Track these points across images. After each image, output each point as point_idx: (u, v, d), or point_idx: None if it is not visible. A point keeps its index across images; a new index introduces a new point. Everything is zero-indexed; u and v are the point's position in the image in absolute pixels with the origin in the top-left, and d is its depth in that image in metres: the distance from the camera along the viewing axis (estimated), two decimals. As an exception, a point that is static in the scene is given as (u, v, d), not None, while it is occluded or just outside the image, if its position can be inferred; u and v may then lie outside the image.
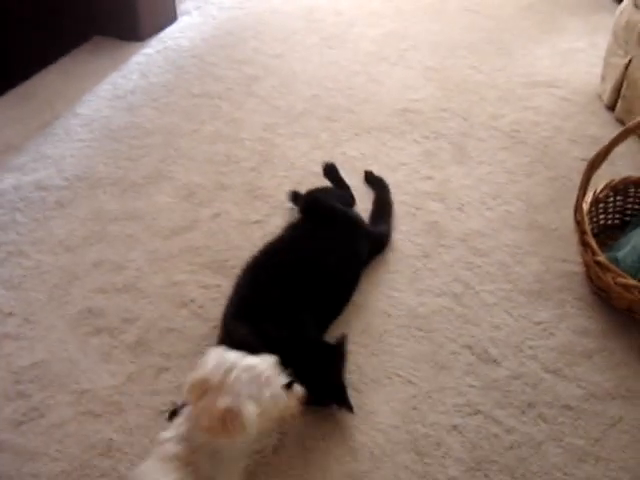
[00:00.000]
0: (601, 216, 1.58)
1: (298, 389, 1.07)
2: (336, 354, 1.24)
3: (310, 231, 1.47)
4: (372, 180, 1.71)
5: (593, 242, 1.38)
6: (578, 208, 1.41)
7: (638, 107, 1.82)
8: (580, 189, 1.40)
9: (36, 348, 1.34)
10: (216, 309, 1.40)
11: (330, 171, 1.66)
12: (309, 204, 1.54)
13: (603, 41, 2.03)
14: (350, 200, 1.63)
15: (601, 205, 1.57)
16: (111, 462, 1.16)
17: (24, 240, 1.58)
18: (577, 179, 1.44)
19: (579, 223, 1.40)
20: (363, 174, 1.73)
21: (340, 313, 1.40)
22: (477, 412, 1.24)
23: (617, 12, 1.92)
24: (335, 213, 1.50)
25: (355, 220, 1.52)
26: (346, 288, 1.42)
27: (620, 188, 1.57)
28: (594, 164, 1.37)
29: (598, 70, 2.03)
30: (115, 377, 1.29)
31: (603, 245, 1.54)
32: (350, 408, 1.21)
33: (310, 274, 1.36)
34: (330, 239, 1.44)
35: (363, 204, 1.64)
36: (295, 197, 1.62)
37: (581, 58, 2.20)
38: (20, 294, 1.45)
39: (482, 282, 1.47)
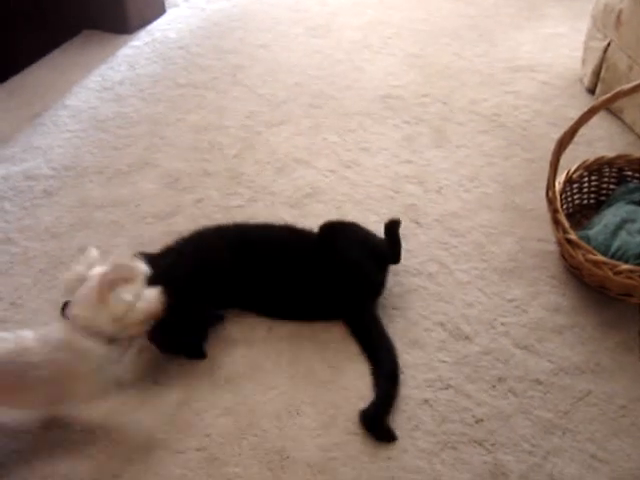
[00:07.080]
0: (576, 196, 1.61)
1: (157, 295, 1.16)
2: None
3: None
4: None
5: (564, 220, 1.40)
6: (550, 186, 1.43)
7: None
8: (551, 167, 1.42)
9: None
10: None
11: (392, 227, 1.46)
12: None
13: (585, 26, 2.04)
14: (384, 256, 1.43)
15: (576, 185, 1.59)
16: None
17: (12, 228, 1.62)
18: (553, 160, 1.45)
19: (551, 201, 1.43)
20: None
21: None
22: (448, 387, 1.27)
23: (596, -4, 1.93)
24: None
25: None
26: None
27: (594, 168, 1.59)
28: (563, 142, 1.39)
29: (580, 54, 2.04)
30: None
31: (579, 225, 1.56)
32: None
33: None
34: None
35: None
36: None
37: (563, 43, 2.22)
38: (7, 279, 1.49)
39: (457, 262, 1.50)
